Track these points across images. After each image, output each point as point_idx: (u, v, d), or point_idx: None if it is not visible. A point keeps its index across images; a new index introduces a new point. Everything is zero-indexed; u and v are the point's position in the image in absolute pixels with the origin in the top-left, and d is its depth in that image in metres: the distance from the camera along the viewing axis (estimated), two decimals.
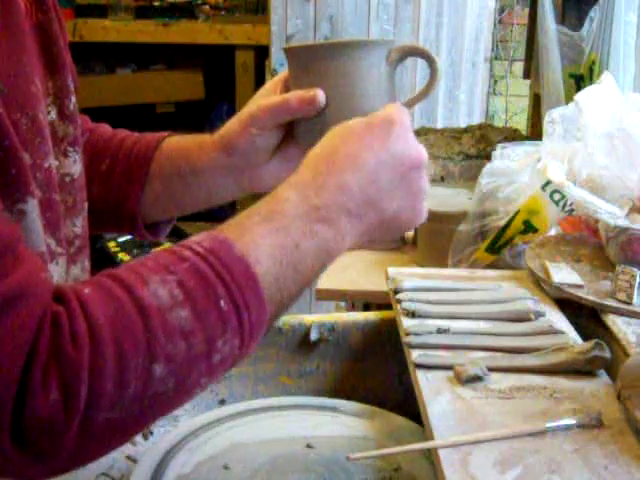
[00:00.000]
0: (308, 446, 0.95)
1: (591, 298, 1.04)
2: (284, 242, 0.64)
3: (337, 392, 1.13)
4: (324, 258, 0.67)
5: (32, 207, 0.66)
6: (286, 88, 0.85)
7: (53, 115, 0.77)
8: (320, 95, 0.80)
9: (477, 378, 0.86)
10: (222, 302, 0.60)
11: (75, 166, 0.80)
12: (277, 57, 2.74)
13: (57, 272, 0.72)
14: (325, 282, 1.48)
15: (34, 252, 0.66)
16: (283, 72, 0.87)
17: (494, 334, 0.97)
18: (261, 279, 0.62)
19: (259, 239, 0.64)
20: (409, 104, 0.84)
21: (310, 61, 0.83)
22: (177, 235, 2.96)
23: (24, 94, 0.68)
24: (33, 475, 0.58)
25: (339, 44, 0.82)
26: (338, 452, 0.93)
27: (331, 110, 0.81)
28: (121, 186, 0.93)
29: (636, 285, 1.02)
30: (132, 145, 0.94)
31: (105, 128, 0.99)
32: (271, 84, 0.87)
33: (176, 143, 0.94)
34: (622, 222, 1.11)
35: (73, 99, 0.80)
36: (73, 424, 0.55)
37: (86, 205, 0.83)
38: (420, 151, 0.72)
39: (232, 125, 0.87)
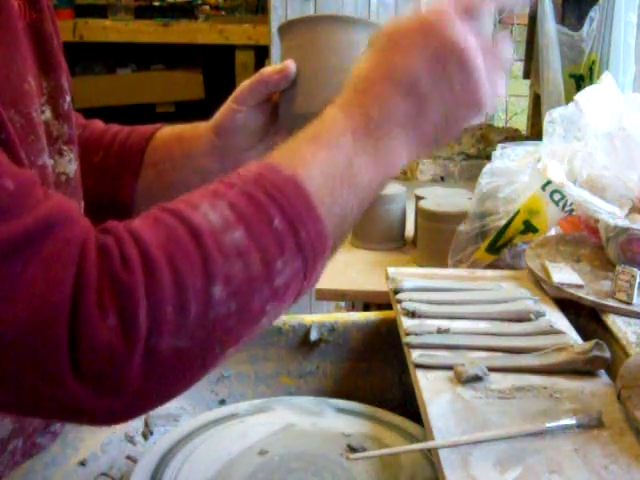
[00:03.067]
0: (308, 446, 0.95)
1: (591, 298, 1.04)
2: (335, 158, 0.63)
3: (337, 392, 1.13)
4: (382, 171, 0.66)
5: None
6: (253, 99, 0.87)
7: (48, 114, 0.77)
8: (290, 65, 0.81)
9: (477, 378, 0.86)
10: (276, 221, 0.58)
11: (70, 165, 0.80)
12: (277, 57, 2.74)
13: None
14: (325, 282, 1.48)
15: None
16: None
17: (494, 334, 0.97)
18: (314, 196, 0.60)
19: (309, 156, 0.62)
20: None
21: (290, 35, 0.84)
22: None
23: (17, 92, 0.68)
24: (102, 414, 0.56)
25: (316, 17, 0.84)
26: (338, 452, 0.93)
27: (303, 82, 0.81)
28: (115, 177, 0.93)
29: (636, 285, 1.02)
30: (126, 137, 0.95)
31: (98, 123, 0.99)
32: (236, 99, 0.89)
33: (171, 130, 0.95)
34: (622, 222, 1.11)
35: (68, 98, 0.80)
36: (136, 352, 0.53)
37: (82, 204, 0.83)
38: (462, 41, 0.65)
39: (221, 108, 0.89)
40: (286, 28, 0.85)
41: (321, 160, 0.63)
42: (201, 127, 0.91)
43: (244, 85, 0.86)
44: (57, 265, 0.53)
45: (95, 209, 0.92)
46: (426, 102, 0.66)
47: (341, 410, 1.04)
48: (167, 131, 0.95)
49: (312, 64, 0.81)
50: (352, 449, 0.95)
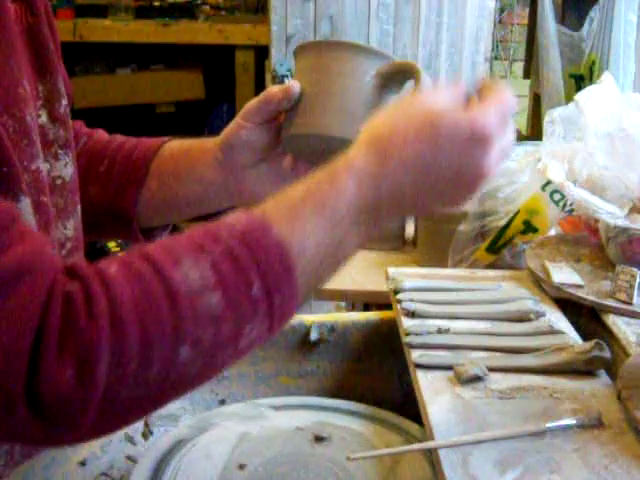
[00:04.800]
0: (308, 446, 0.95)
1: (591, 298, 1.04)
2: (331, 239, 0.63)
3: (337, 392, 1.13)
4: (362, 244, 0.67)
5: (25, 206, 0.67)
6: (260, 117, 0.87)
7: (44, 118, 0.77)
8: (294, 85, 0.82)
9: (477, 378, 0.86)
10: (254, 288, 0.58)
11: (66, 169, 0.80)
12: (277, 57, 2.74)
13: None
14: None
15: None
16: None
17: (494, 334, 0.97)
18: (298, 268, 0.61)
19: (308, 228, 0.62)
20: None
21: (301, 57, 0.85)
22: None
23: (11, 96, 0.68)
24: (49, 443, 0.59)
25: (326, 43, 0.84)
26: (338, 452, 0.93)
27: (304, 104, 0.82)
28: (118, 187, 0.93)
29: (636, 285, 1.02)
30: (132, 148, 0.94)
31: (103, 133, 0.99)
32: (243, 115, 0.89)
33: (179, 143, 0.95)
34: (622, 222, 1.11)
35: (64, 102, 0.80)
36: (92, 402, 0.54)
37: (79, 208, 0.83)
38: (489, 168, 0.67)
39: (229, 124, 0.89)
40: (299, 50, 0.86)
41: (318, 236, 0.62)
42: (209, 142, 0.91)
43: (252, 102, 0.86)
44: (20, 316, 0.53)
45: (98, 220, 0.92)
46: (424, 197, 0.67)
47: (341, 410, 1.04)
48: (175, 145, 0.95)
49: (314, 87, 0.82)
50: (318, 439, 0.95)
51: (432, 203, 0.68)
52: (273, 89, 0.84)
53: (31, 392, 0.53)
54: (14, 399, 0.53)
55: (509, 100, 0.70)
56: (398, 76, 0.83)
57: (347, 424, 1.01)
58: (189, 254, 0.58)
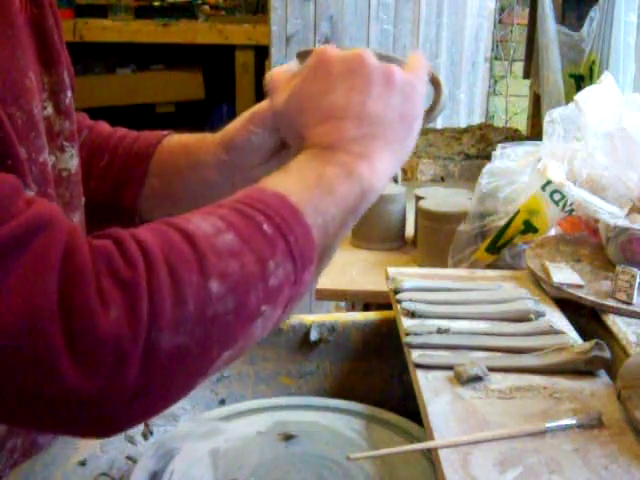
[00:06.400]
0: (282, 447, 0.95)
1: (591, 298, 1.04)
2: (307, 175, 0.68)
3: (337, 392, 1.13)
4: (356, 185, 0.69)
5: None
6: (272, 122, 0.87)
7: (49, 110, 0.77)
8: None
9: (477, 378, 0.86)
10: (265, 226, 0.61)
11: (72, 161, 0.80)
12: (277, 57, 2.74)
13: None
14: (325, 282, 1.48)
15: None
16: None
17: (494, 334, 0.97)
18: (298, 205, 0.64)
19: (284, 177, 0.68)
20: None
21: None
22: None
23: (19, 88, 0.68)
24: (104, 417, 0.56)
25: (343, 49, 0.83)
26: (338, 452, 0.93)
27: None
28: (119, 182, 0.93)
29: (636, 285, 1.02)
30: (132, 142, 0.94)
31: (104, 125, 0.99)
32: (252, 119, 0.89)
33: (178, 139, 0.95)
34: (622, 222, 1.11)
35: (69, 94, 0.80)
36: (138, 343, 0.54)
37: (83, 200, 0.83)
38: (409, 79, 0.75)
39: (234, 123, 0.89)
40: (306, 55, 0.85)
41: (295, 178, 0.68)
42: (208, 139, 0.91)
43: (264, 106, 0.85)
44: (40, 267, 0.53)
45: (99, 214, 0.92)
46: (377, 115, 0.73)
47: (341, 410, 1.04)
48: (174, 140, 0.94)
49: None
50: (288, 437, 0.96)
51: (381, 129, 0.73)
52: None
53: (72, 341, 0.52)
54: (54, 346, 0.52)
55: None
56: None
57: (306, 419, 1.01)
58: (197, 214, 0.62)
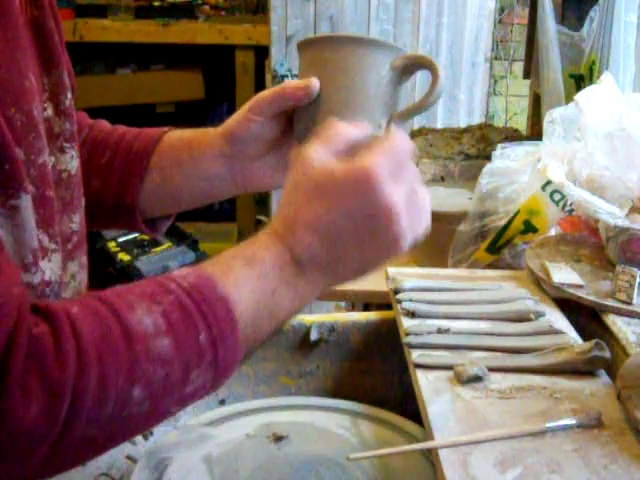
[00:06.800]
0: (274, 449, 0.95)
1: (591, 298, 1.04)
2: (263, 287, 0.67)
3: (337, 392, 1.13)
4: (297, 304, 0.70)
5: (25, 203, 0.66)
6: (271, 110, 0.87)
7: (49, 111, 0.77)
8: (314, 83, 0.82)
9: (477, 378, 0.86)
10: (201, 336, 0.62)
11: (72, 162, 0.80)
12: (277, 57, 2.74)
13: (50, 269, 0.72)
14: None
15: (24, 250, 0.67)
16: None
17: (494, 334, 0.97)
18: (240, 320, 0.64)
19: (241, 281, 0.66)
20: (403, 116, 0.82)
21: (314, 53, 0.84)
22: (177, 235, 2.95)
23: (18, 89, 0.68)
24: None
25: (343, 37, 0.83)
26: (338, 452, 0.93)
27: (325, 101, 0.82)
28: (120, 179, 0.93)
29: (636, 285, 1.02)
30: (133, 139, 0.94)
31: (104, 123, 0.99)
32: (253, 109, 0.89)
33: (179, 134, 0.95)
34: (622, 222, 1.11)
35: (69, 95, 0.80)
36: (50, 438, 0.56)
37: (83, 201, 0.83)
38: (389, 203, 0.67)
39: (234, 115, 0.89)
40: (307, 44, 0.85)
41: (251, 288, 0.66)
42: (210, 133, 0.91)
43: (263, 95, 0.86)
44: None
45: (100, 212, 0.92)
46: (347, 255, 0.69)
47: (341, 410, 1.04)
48: (175, 135, 0.94)
49: (332, 83, 0.81)
50: (278, 438, 0.96)
51: (358, 259, 0.70)
52: (290, 85, 0.83)
53: None
54: None
55: (400, 144, 0.70)
56: (412, 68, 0.83)
57: (293, 419, 1.01)
58: (142, 302, 0.61)
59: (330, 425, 1.01)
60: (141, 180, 0.92)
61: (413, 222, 0.70)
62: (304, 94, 0.82)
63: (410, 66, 0.82)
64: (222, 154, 0.89)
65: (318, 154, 0.69)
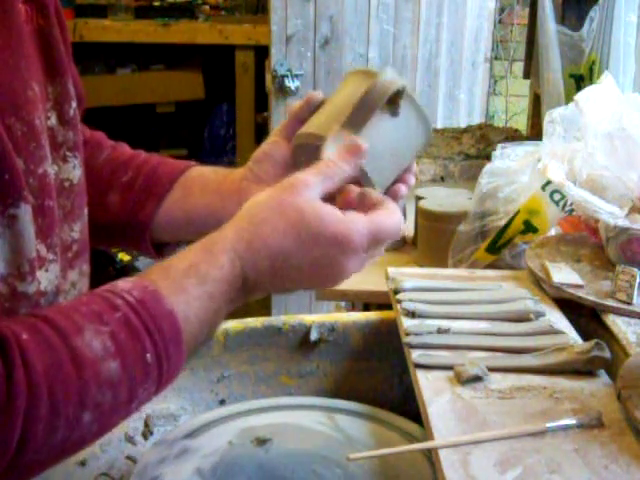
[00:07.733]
0: (262, 452, 0.95)
1: (591, 298, 1.04)
2: (210, 306, 0.68)
3: (337, 392, 1.13)
4: (230, 311, 0.72)
5: (24, 212, 0.66)
6: (287, 132, 0.88)
7: (53, 120, 0.77)
8: (315, 95, 0.85)
9: (477, 378, 0.86)
10: (148, 356, 0.63)
11: (74, 171, 0.80)
12: (277, 57, 2.74)
13: (47, 279, 0.72)
14: None
15: (21, 259, 0.67)
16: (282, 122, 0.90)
17: (494, 334, 0.97)
18: (184, 335, 0.65)
19: (192, 300, 0.67)
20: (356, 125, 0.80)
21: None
22: None
23: (20, 99, 0.68)
24: None
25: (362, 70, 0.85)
26: (338, 452, 0.93)
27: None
28: (139, 197, 0.93)
29: (636, 285, 1.02)
30: (157, 164, 0.95)
31: (126, 147, 1.00)
32: (275, 132, 0.90)
33: (212, 169, 0.96)
34: (622, 222, 1.11)
35: (74, 104, 0.80)
36: (1, 465, 0.57)
37: (86, 210, 0.83)
38: (349, 268, 0.72)
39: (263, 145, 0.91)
40: (358, 76, 0.85)
41: (200, 306, 0.67)
42: (238, 171, 0.92)
43: (286, 121, 0.89)
44: None
45: (112, 226, 0.93)
46: (288, 283, 0.72)
47: (341, 410, 1.04)
48: (204, 168, 0.96)
49: (327, 107, 0.83)
50: (262, 441, 0.95)
51: (290, 287, 0.73)
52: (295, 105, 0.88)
53: None
54: None
55: (392, 227, 0.73)
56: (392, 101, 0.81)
57: (271, 421, 1.01)
58: (90, 324, 0.62)
59: (308, 423, 1.00)
60: (159, 201, 0.92)
61: (359, 264, 0.74)
62: (304, 102, 0.85)
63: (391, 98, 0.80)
64: (249, 173, 0.90)
65: (309, 190, 0.71)
